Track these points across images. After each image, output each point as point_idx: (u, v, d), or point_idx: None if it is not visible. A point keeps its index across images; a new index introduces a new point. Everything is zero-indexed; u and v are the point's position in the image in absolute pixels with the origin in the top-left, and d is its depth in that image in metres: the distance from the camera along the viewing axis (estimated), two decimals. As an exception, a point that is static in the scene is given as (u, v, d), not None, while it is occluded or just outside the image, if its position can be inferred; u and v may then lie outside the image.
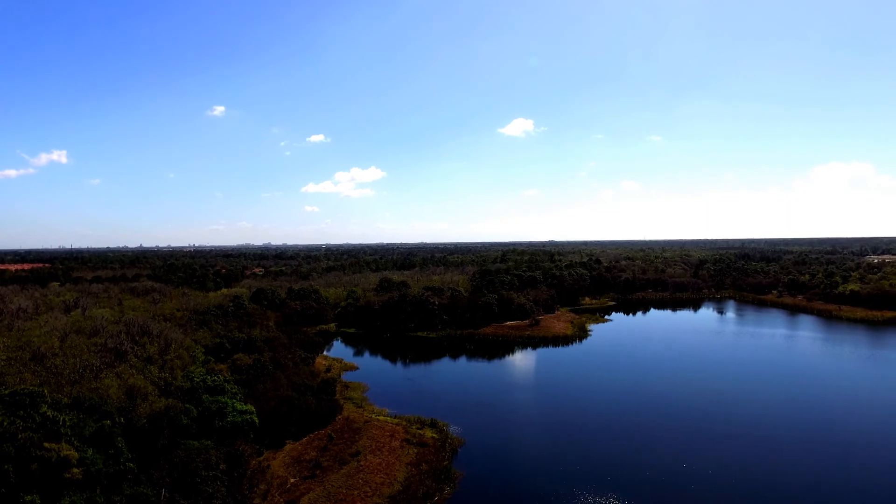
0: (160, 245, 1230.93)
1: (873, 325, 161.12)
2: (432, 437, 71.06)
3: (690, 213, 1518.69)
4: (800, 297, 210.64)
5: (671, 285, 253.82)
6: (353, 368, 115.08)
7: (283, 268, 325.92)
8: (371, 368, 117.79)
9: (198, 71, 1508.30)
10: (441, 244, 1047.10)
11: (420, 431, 73.35)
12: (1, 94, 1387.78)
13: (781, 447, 67.78)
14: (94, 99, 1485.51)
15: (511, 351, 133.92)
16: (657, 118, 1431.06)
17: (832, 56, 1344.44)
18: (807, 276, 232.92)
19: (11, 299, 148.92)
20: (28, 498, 42.47)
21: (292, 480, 57.47)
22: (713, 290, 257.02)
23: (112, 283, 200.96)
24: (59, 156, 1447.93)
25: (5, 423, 48.40)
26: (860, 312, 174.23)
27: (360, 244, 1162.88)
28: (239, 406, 64.09)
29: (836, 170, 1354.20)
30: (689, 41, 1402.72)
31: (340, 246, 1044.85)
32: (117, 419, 59.61)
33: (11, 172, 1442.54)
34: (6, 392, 53.85)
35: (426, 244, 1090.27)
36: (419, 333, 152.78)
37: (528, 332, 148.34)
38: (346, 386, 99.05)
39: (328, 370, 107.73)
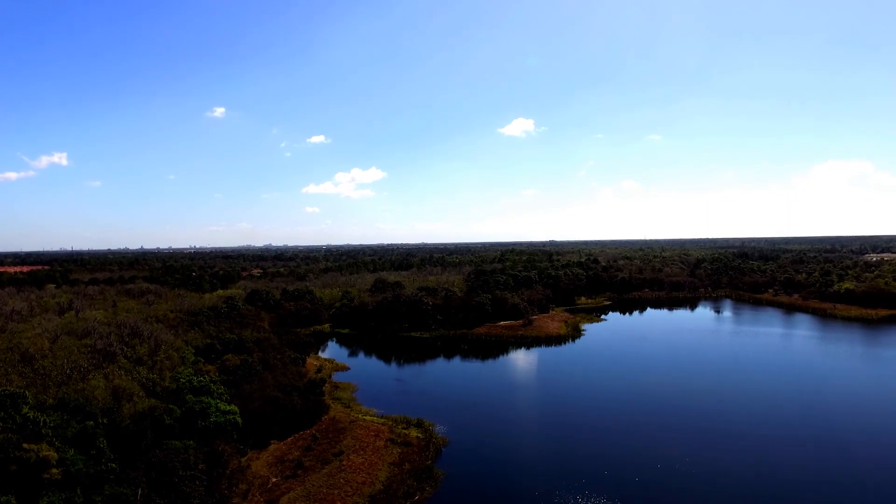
0: (161, 247, 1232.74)
1: (868, 324, 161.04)
2: (417, 437, 71.26)
3: (691, 212, 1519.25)
4: (795, 296, 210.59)
5: (667, 284, 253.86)
6: (345, 369, 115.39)
7: (281, 269, 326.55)
8: (362, 369, 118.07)
9: (197, 72, 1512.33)
10: (441, 244, 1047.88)
11: (405, 431, 73.57)
12: (1, 96, 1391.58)
13: (774, 446, 67.57)
14: (94, 101, 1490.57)
15: (503, 351, 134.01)
16: (656, 117, 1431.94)
17: (831, 53, 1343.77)
18: (803, 275, 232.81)
19: (6, 301, 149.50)
20: (4, 498, 42.81)
21: (274, 480, 57.76)
22: (709, 289, 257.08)
23: (108, 284, 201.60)
24: (60, 158, 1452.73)
25: (-15, 424, 48.78)
26: (855, 311, 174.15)
27: (361, 245, 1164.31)
28: (222, 406, 64.40)
29: (835, 168, 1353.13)
30: (687, 39, 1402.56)
31: (341, 247, 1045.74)
32: (100, 420, 59.95)
33: (12, 175, 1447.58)
34: (-12, 393, 54.19)
35: (426, 244, 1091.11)
36: (412, 334, 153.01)
37: (520, 332, 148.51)
38: (336, 386, 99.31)
39: (319, 370, 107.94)
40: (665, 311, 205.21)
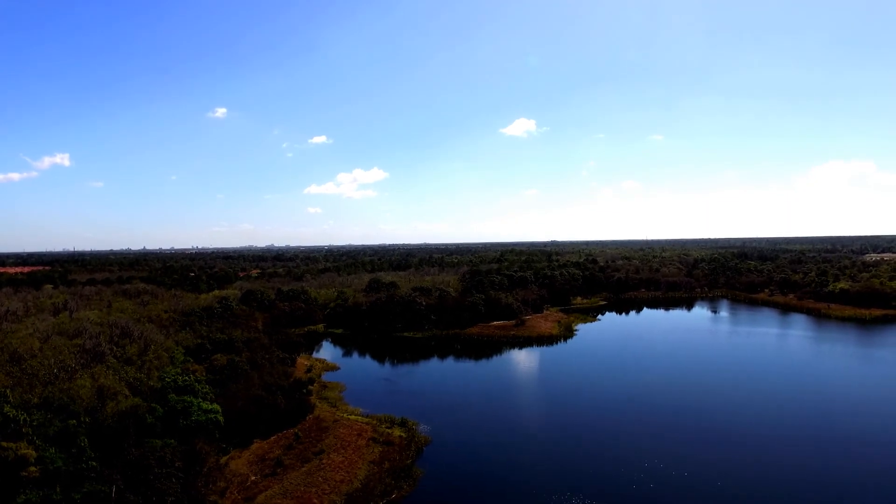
0: (163, 247, 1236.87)
1: (861, 324, 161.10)
2: (400, 436, 71.88)
3: (692, 212, 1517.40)
4: (791, 296, 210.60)
5: (664, 284, 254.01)
6: (335, 368, 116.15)
7: (280, 269, 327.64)
8: (353, 369, 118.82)
9: (199, 73, 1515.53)
10: (442, 245, 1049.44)
11: (388, 430, 74.19)
12: (3, 97, 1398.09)
13: (768, 445, 67.58)
14: (96, 102, 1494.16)
15: (495, 351, 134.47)
16: (658, 117, 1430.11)
17: (833, 52, 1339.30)
18: (799, 275, 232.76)
19: (3, 302, 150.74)
20: (-20, 495, 43.54)
21: (253, 478, 58.46)
22: (706, 289, 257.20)
23: (105, 285, 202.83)
24: (62, 159, 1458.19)
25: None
26: (849, 311, 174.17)
27: (363, 245, 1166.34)
28: (205, 405, 65.13)
29: (836, 168, 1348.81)
30: (689, 39, 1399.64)
31: (342, 247, 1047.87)
32: (83, 419, 60.68)
33: (14, 176, 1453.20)
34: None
35: (428, 245, 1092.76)
36: (406, 334, 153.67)
37: (512, 332, 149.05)
38: (325, 386, 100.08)
39: (309, 370, 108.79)
40: (661, 311, 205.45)
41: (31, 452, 49.23)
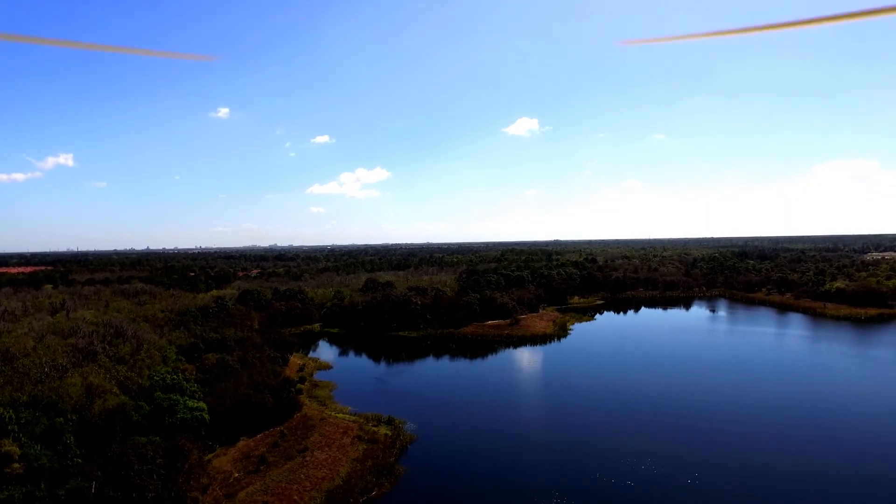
0: (167, 247, 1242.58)
1: (857, 323, 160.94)
2: (385, 435, 72.61)
3: (694, 211, 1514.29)
4: (788, 295, 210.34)
5: (662, 284, 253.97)
6: (327, 367, 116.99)
7: (280, 269, 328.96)
8: (345, 368, 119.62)
9: (202, 73, 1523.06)
10: (444, 244, 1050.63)
11: (375, 429, 74.93)
12: (7, 97, 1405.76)
13: (763, 445, 67.90)
14: (99, 102, 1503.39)
15: (488, 350, 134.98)
16: (660, 116, 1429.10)
17: (837, 49, 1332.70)
18: (797, 275, 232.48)
19: (1, 302, 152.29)
20: (-38, 490, 44.54)
21: (236, 475, 59.32)
22: (704, 288, 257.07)
23: (104, 285, 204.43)
24: (66, 159, 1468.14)
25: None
26: (844, 310, 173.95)
27: (365, 245, 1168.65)
28: (191, 403, 66.07)
29: (839, 166, 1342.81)
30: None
31: (345, 247, 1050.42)
32: (70, 417, 61.80)
33: (19, 176, 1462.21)
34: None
35: (430, 244, 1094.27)
36: (401, 333, 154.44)
37: (506, 332, 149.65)
38: (316, 385, 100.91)
39: (301, 369, 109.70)
40: (657, 311, 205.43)
41: (14, 449, 50.25)
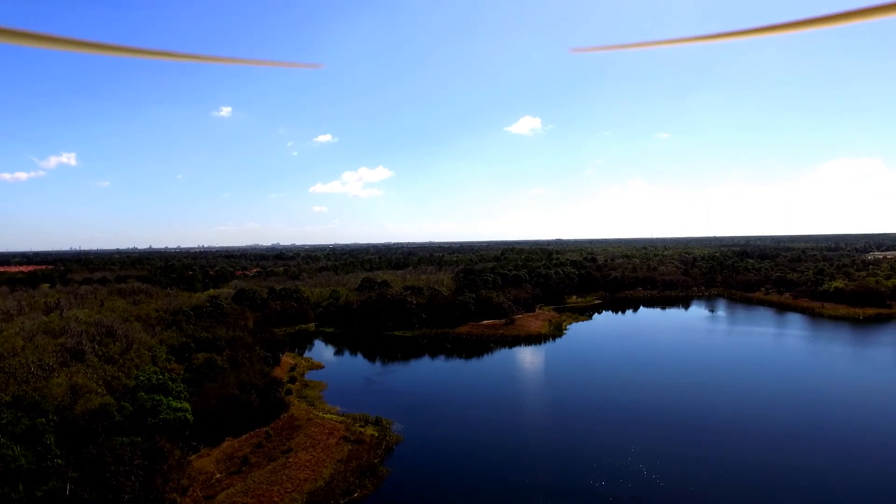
0: (169, 246, 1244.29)
1: (854, 323, 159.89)
2: (371, 435, 72.21)
3: (697, 210, 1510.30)
4: (786, 295, 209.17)
5: (660, 283, 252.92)
6: (319, 367, 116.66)
7: (279, 268, 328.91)
8: (337, 367, 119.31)
9: (204, 72, 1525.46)
10: (447, 243, 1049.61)
11: (361, 429, 74.52)
12: (9, 97, 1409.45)
13: (759, 445, 67.51)
14: (101, 101, 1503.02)
15: (483, 350, 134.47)
16: (664, 114, 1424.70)
17: (843, 46, 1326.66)
18: (797, 274, 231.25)
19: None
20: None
21: (218, 476, 58.98)
22: (703, 287, 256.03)
23: (101, 284, 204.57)
24: (69, 158, 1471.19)
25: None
26: (842, 310, 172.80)
27: (368, 244, 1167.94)
28: (174, 404, 65.71)
29: (845, 165, 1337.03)
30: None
31: (347, 246, 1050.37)
32: (52, 417, 61.42)
33: (22, 175, 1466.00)
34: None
35: (433, 243, 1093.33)
36: (396, 333, 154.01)
37: (501, 331, 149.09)
38: (306, 384, 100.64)
39: (293, 369, 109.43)
40: (655, 311, 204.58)
41: (-8, 450, 49.87)
